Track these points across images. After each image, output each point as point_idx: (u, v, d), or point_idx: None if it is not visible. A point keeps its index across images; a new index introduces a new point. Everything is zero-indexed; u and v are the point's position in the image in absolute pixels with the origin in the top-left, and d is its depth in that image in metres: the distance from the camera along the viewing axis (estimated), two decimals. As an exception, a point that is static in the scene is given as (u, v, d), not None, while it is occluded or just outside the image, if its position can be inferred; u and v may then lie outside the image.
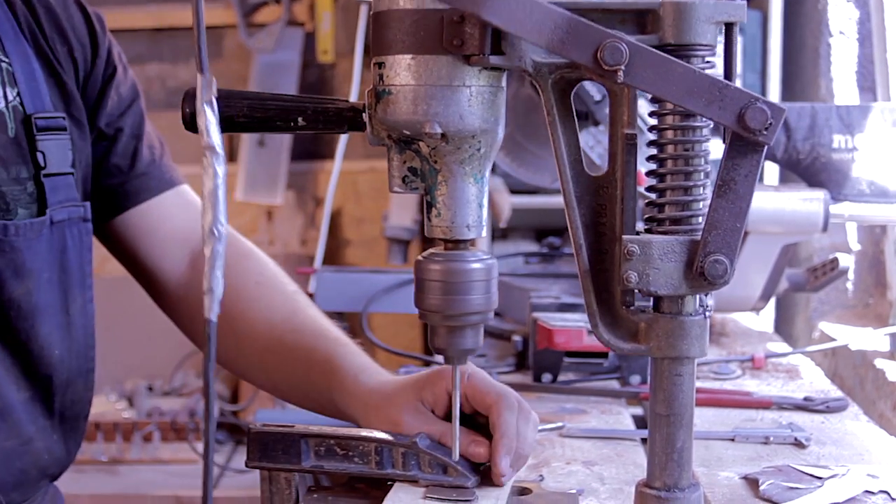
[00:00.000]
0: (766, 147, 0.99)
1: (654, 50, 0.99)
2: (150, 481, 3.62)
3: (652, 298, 1.07)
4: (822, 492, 1.33)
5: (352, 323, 2.52)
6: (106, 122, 1.57)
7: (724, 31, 1.03)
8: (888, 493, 1.32)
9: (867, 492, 1.33)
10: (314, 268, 2.62)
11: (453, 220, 1.09)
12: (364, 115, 1.09)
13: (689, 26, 1.00)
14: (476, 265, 1.10)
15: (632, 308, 1.07)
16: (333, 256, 4.49)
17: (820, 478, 1.38)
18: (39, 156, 1.44)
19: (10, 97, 1.44)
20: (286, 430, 1.20)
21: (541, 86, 1.05)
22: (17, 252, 1.41)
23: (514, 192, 2.81)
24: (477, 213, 1.10)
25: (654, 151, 1.05)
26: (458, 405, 1.15)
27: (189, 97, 1.11)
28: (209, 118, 0.94)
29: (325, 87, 4.68)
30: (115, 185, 1.59)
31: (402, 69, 1.04)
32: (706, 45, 1.01)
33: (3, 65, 1.44)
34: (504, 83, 1.08)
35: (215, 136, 0.94)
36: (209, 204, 0.93)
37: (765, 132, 0.98)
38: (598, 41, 0.98)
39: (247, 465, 1.23)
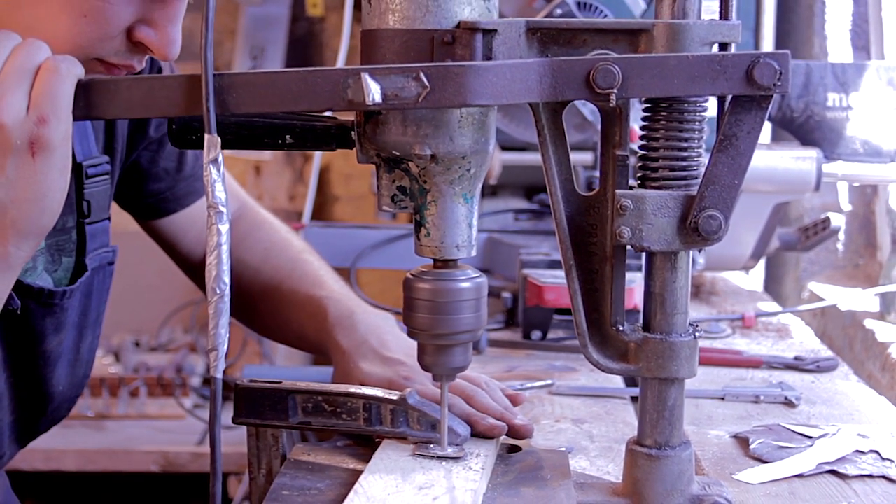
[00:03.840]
0: (770, 102, 0.98)
1: (641, 55, 0.98)
2: (136, 437, 3.61)
3: (641, 319, 1.08)
4: (812, 451, 1.33)
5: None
6: (155, 127, 1.54)
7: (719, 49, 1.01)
8: (878, 453, 1.32)
9: (857, 451, 1.32)
10: (302, 223, 2.60)
11: (443, 241, 1.07)
12: (353, 133, 1.07)
13: (683, 47, 0.99)
14: (465, 284, 1.08)
15: (622, 329, 1.07)
16: (322, 212, 4.46)
17: (810, 437, 1.38)
18: (85, 205, 1.41)
19: None
20: (274, 387, 1.19)
21: (532, 105, 1.03)
22: (63, 311, 1.40)
23: (504, 148, 2.79)
24: (467, 233, 1.07)
25: (647, 105, 1.04)
26: (445, 422, 1.14)
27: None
28: (214, 177, 0.94)
29: (313, 42, 4.63)
30: (162, 190, 1.59)
31: None
32: None
33: None
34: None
35: (220, 194, 0.95)
36: (213, 262, 0.94)
37: (779, 83, 0.97)
38: (587, 69, 0.97)
39: (234, 422, 1.22)
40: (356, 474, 1.11)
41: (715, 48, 1.01)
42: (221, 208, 0.96)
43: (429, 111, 1.01)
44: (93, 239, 1.43)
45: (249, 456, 1.22)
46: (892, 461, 1.30)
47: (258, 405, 1.19)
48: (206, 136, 0.96)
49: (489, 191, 3.07)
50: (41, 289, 1.35)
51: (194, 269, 1.68)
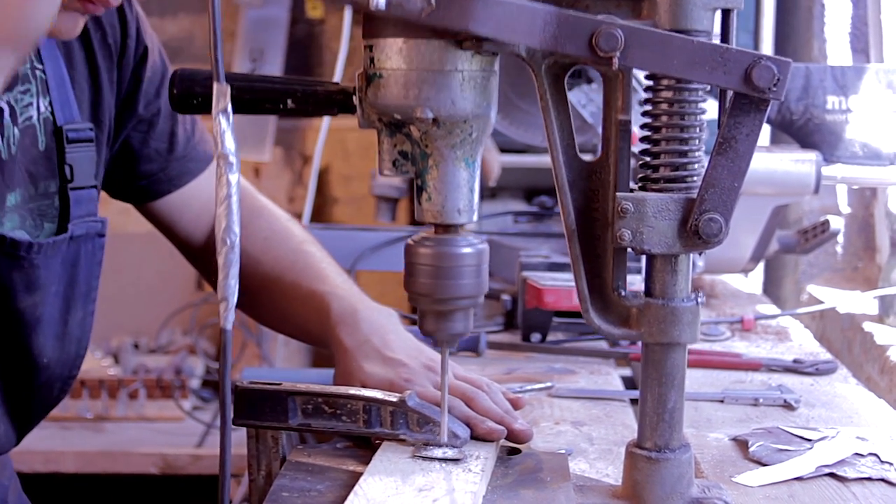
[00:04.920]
0: (769, 105, 0.98)
1: (648, 28, 0.98)
2: (135, 439, 3.61)
3: (644, 286, 1.07)
4: (811, 454, 1.33)
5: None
6: (144, 105, 1.54)
7: (721, 15, 1.02)
8: (877, 456, 1.32)
9: (856, 454, 1.32)
10: (302, 225, 2.60)
11: (444, 205, 1.07)
12: (354, 97, 1.07)
13: (686, 12, 0.99)
14: (466, 250, 1.09)
15: (623, 294, 1.07)
16: (321, 214, 4.46)
17: (809, 440, 1.38)
18: (67, 169, 1.41)
19: (42, 108, 1.40)
20: (273, 388, 1.19)
21: (534, 71, 1.03)
22: (34, 268, 1.38)
23: (503, 150, 2.79)
24: (468, 198, 1.08)
25: (648, 101, 1.04)
26: (446, 390, 1.14)
27: (177, 79, 1.09)
28: (223, 127, 0.94)
29: (313, 44, 4.63)
30: (154, 171, 1.59)
31: (393, 53, 1.02)
32: (702, 31, 1.00)
33: (38, 72, 1.40)
34: (497, 67, 1.06)
35: (230, 144, 0.95)
36: (223, 213, 0.94)
37: (774, 89, 0.97)
38: (592, 29, 0.97)
39: (233, 423, 1.21)
40: (356, 476, 1.11)
41: (718, 35, 1.00)
42: (231, 159, 0.95)
43: (430, 73, 1.01)
44: (77, 205, 1.43)
45: (249, 457, 1.22)
46: (891, 464, 1.30)
47: (258, 407, 1.19)
48: (215, 85, 0.95)
49: (488, 193, 3.07)
50: (2, 237, 1.33)
51: (194, 252, 1.68)
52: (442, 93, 1.02)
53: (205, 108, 1.09)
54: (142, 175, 1.58)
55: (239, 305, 1.63)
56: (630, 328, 1.07)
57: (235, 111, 1.10)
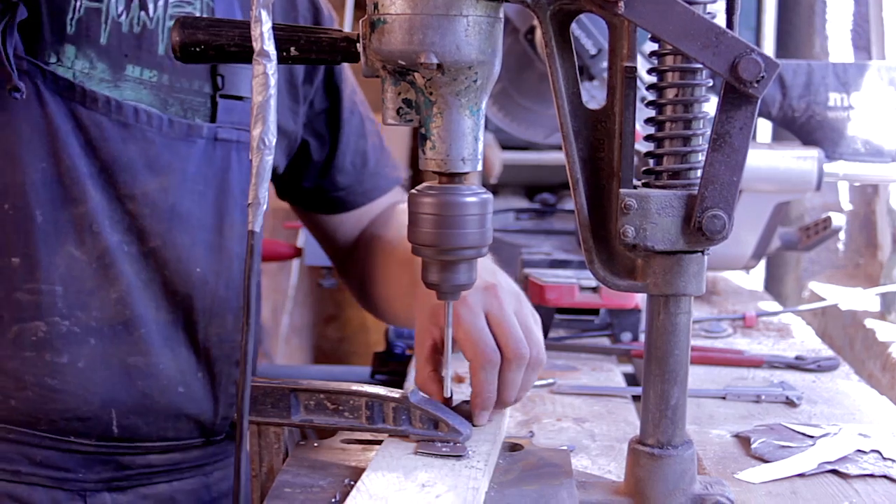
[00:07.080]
0: (758, 100, 0.97)
1: None
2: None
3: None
4: (813, 450, 1.33)
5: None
6: (322, 96, 1.66)
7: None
8: (879, 453, 1.32)
9: (859, 451, 1.33)
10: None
11: (448, 153, 1.06)
12: (358, 45, 1.06)
13: None
14: (471, 199, 1.08)
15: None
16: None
17: (811, 436, 1.38)
18: (219, 79, 1.44)
19: (203, 11, 1.45)
20: (276, 385, 1.19)
21: (539, 17, 1.02)
22: (150, 144, 1.39)
23: (505, 147, 2.80)
24: (472, 146, 1.07)
25: (652, 103, 1.04)
26: (450, 342, 1.14)
27: (179, 26, 1.08)
28: (265, 21, 0.92)
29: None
30: (350, 184, 1.71)
31: None
32: (705, 2, 0.99)
33: (206, 1, 1.45)
34: (501, 14, 1.05)
35: (270, 42, 0.92)
36: (260, 114, 0.92)
37: (756, 84, 0.96)
38: None
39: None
40: (358, 472, 1.11)
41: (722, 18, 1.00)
42: (273, 56, 0.93)
43: (434, 18, 1.00)
44: (227, 112, 1.45)
45: (251, 454, 1.22)
46: (893, 461, 1.30)
47: (260, 403, 1.19)
48: None
49: (490, 190, 3.07)
50: (108, 98, 1.36)
51: (342, 255, 1.79)
52: (447, 38, 1.01)
53: (205, 56, 1.08)
54: (339, 186, 1.70)
55: (357, 291, 1.75)
56: (635, 279, 1.05)
57: (239, 59, 1.09)
